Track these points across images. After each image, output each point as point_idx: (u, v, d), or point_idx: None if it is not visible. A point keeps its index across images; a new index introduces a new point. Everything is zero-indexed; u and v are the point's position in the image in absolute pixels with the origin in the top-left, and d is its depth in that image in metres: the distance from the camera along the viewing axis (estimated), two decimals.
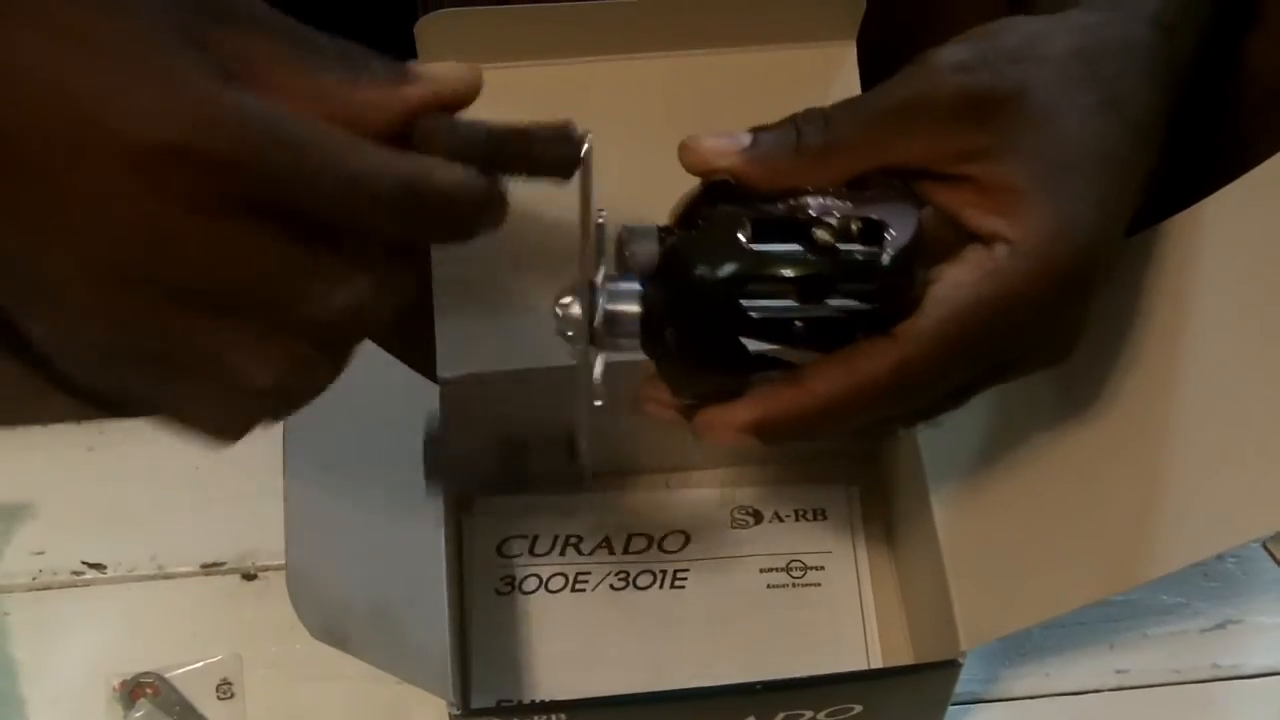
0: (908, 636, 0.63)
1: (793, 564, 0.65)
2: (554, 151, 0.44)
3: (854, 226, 0.46)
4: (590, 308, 0.47)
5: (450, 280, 0.59)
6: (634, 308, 0.47)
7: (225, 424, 0.42)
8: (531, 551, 0.65)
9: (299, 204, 0.39)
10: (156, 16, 0.38)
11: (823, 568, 0.65)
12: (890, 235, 0.46)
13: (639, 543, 0.65)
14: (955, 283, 0.46)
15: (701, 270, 0.46)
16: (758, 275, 0.46)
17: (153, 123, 0.37)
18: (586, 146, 0.44)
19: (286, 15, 0.42)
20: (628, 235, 0.48)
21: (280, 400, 0.42)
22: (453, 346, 0.59)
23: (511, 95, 0.62)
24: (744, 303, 0.46)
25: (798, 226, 0.46)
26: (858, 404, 0.46)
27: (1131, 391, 0.55)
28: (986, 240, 0.46)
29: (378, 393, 0.58)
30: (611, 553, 0.65)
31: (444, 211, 0.41)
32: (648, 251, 0.47)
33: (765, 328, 0.46)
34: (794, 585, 0.65)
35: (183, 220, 0.38)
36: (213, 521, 0.65)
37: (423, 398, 0.59)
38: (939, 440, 0.59)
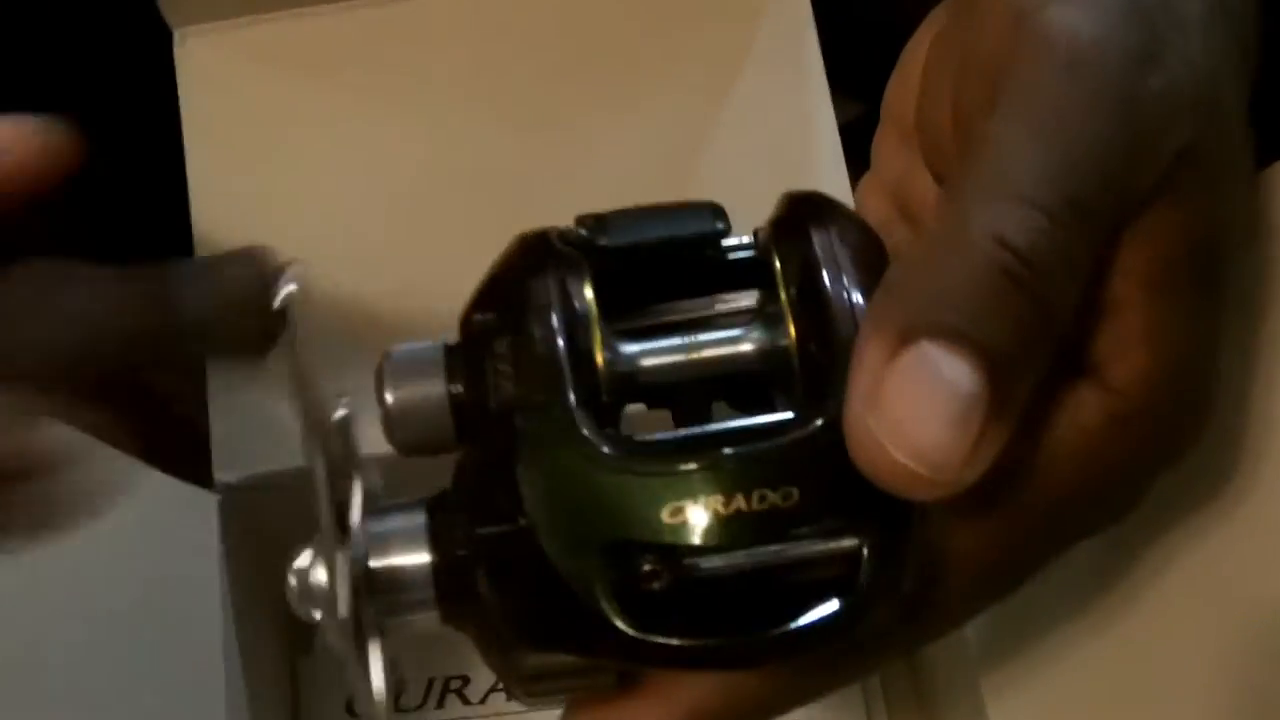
0: None
1: None
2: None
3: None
4: (341, 571, 0.29)
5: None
6: (418, 557, 0.29)
7: None
8: (397, 707, 0.46)
9: None
10: None
11: None
12: None
13: None
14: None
15: (542, 465, 0.29)
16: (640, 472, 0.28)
17: None
18: (286, 293, 0.27)
19: None
20: (387, 371, 0.30)
21: None
22: (233, 441, 0.41)
23: (278, 56, 0.45)
24: (615, 529, 0.28)
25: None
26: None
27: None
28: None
29: (125, 515, 0.40)
30: (510, 697, 0.46)
31: None
32: (426, 408, 0.29)
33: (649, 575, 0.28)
34: None
35: None
36: None
37: (194, 512, 0.40)
38: None
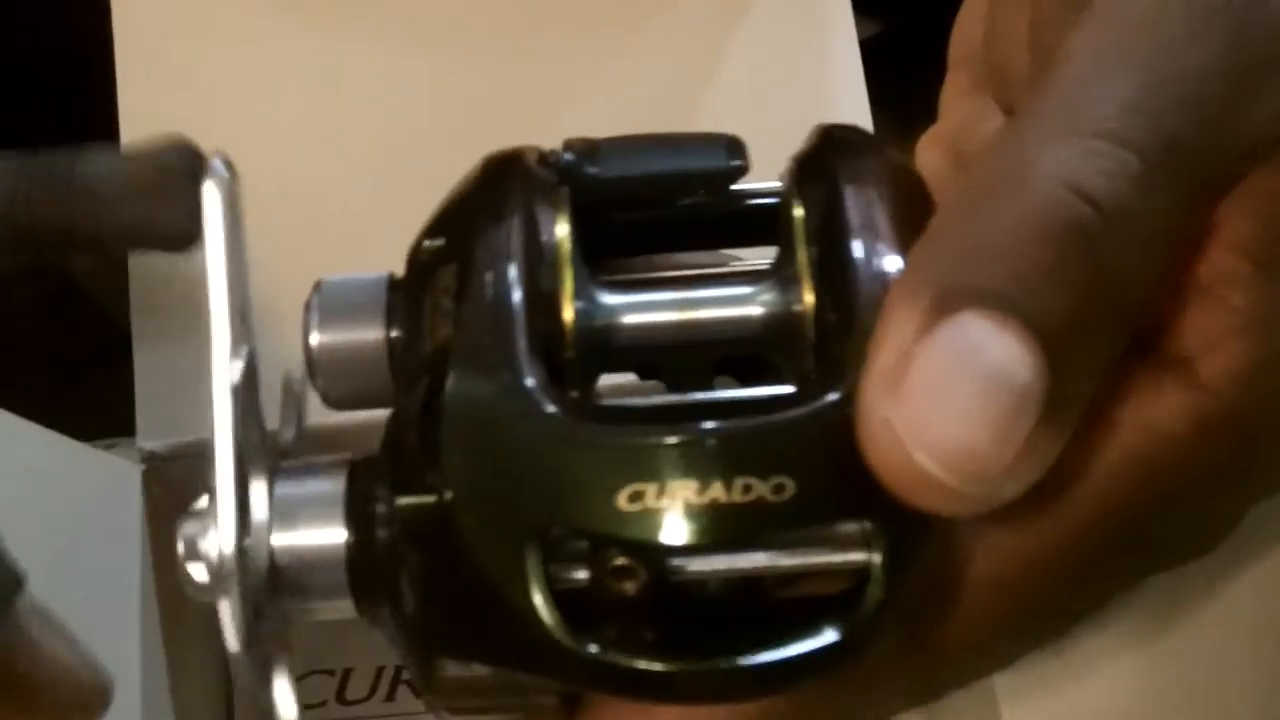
0: None
1: None
2: None
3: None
4: (240, 540, 0.24)
5: (150, 308, 0.37)
6: (330, 533, 0.24)
7: None
8: (340, 697, 0.41)
9: None
10: None
11: None
12: None
13: None
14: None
15: (467, 422, 0.23)
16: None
17: None
18: (215, 180, 0.23)
19: None
20: (315, 307, 0.25)
21: None
22: (160, 403, 0.36)
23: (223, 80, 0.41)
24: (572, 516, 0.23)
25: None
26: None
27: None
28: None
29: (30, 487, 0.35)
30: (430, 710, 0.42)
31: None
32: (358, 353, 0.25)
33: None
34: None
35: None
36: None
37: (112, 486, 0.36)
38: None
